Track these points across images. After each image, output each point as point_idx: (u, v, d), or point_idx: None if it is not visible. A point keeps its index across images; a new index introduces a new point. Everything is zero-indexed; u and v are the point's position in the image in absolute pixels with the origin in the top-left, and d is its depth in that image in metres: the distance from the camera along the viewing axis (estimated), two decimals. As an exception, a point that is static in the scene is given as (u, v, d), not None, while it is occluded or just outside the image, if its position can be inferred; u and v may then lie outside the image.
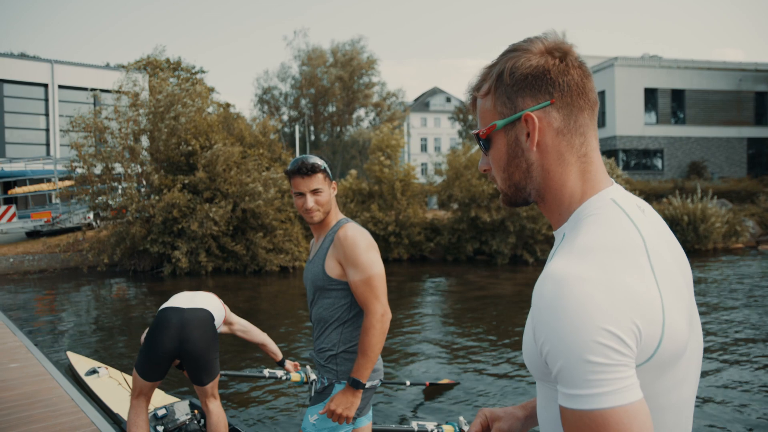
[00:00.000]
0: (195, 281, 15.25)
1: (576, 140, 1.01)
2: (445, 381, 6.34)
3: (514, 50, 1.02)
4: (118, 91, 17.95)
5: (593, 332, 0.82)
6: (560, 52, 1.00)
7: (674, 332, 0.88)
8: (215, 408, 3.60)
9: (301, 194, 2.54)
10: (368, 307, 2.41)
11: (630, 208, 0.98)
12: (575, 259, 0.89)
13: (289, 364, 4.21)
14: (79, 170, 17.37)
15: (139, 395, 3.46)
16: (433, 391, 6.21)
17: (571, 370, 0.83)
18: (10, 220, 19.54)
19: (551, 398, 0.98)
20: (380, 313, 2.40)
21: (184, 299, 3.59)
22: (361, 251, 2.45)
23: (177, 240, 16.05)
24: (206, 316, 3.57)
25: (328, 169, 2.58)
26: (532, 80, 0.99)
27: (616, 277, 0.86)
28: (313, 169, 2.51)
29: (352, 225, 2.56)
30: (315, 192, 2.53)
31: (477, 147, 20.09)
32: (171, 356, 3.43)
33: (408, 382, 5.98)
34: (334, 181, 2.62)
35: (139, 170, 17.16)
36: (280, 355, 4.11)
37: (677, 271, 0.97)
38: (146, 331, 3.60)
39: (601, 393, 0.81)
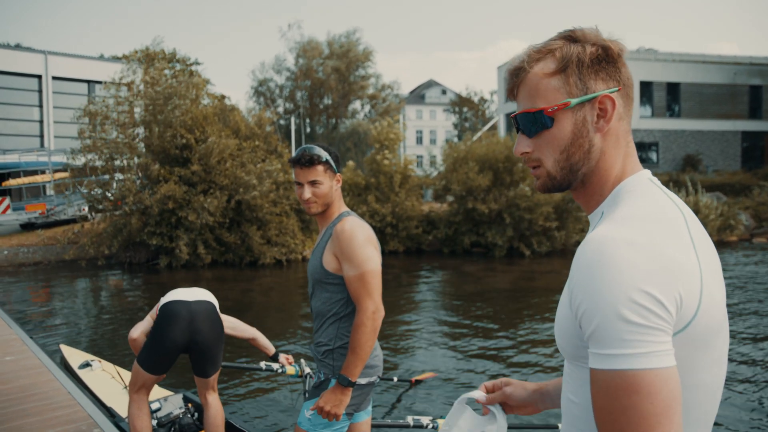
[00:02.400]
0: (191, 273, 15.23)
1: (627, 127, 1.07)
2: (426, 375, 6.34)
3: (574, 36, 1.06)
4: (118, 83, 17.87)
5: (633, 291, 0.82)
6: (620, 44, 1.06)
7: (711, 304, 0.89)
8: (214, 401, 3.59)
9: (301, 184, 2.52)
10: (360, 304, 2.37)
11: (665, 188, 1.02)
12: (617, 225, 0.91)
13: (282, 357, 4.18)
14: (79, 160, 17.30)
15: (140, 389, 3.41)
16: (424, 386, 6.19)
17: (607, 329, 0.83)
18: (4, 212, 19.44)
19: (582, 380, 0.98)
20: (371, 310, 2.35)
21: (186, 292, 3.56)
22: (357, 246, 2.41)
23: (174, 231, 16.02)
24: (212, 308, 3.55)
25: (331, 161, 2.53)
26: (605, 66, 1.04)
27: (659, 243, 0.87)
28: (312, 161, 2.48)
29: (352, 219, 2.51)
30: (313, 183, 2.50)
31: (476, 137, 20.12)
32: (180, 349, 3.41)
33: (395, 378, 5.99)
34: (338, 174, 2.58)
35: (136, 161, 17.09)
36: (272, 350, 4.08)
37: (711, 252, 0.98)
38: (137, 325, 3.56)
39: (636, 353, 0.82)
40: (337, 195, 2.59)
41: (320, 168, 2.50)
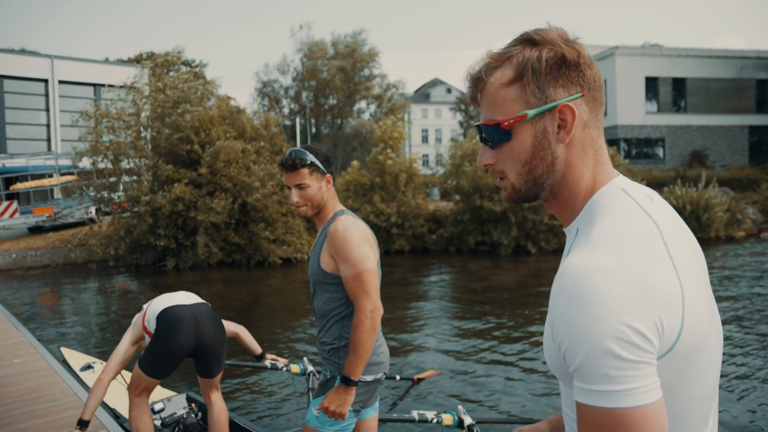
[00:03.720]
0: (199, 275, 15.29)
1: (595, 134, 1.00)
2: (428, 373, 6.33)
3: (533, 39, 0.99)
4: (130, 87, 17.97)
5: (616, 326, 0.79)
6: (578, 46, 0.99)
7: (695, 323, 0.86)
8: (218, 400, 3.60)
9: (290, 188, 2.53)
10: (358, 303, 2.35)
11: (639, 197, 0.97)
12: (594, 251, 0.87)
13: (269, 358, 4.11)
14: (86, 162, 17.40)
15: (141, 393, 3.39)
16: (428, 383, 6.20)
17: (591, 364, 0.80)
18: (12, 215, 19.56)
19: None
20: (369, 309, 2.33)
21: (182, 297, 3.54)
22: (352, 245, 2.38)
23: (180, 233, 16.09)
24: (211, 309, 3.56)
25: (317, 163, 2.50)
26: (565, 71, 0.97)
27: (637, 268, 0.83)
28: (294, 165, 2.47)
29: (345, 218, 2.48)
30: (300, 187, 2.49)
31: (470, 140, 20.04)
32: (188, 353, 3.40)
33: (398, 377, 5.98)
34: (328, 175, 2.55)
35: (145, 164, 17.16)
36: (258, 350, 4.01)
37: (692, 258, 0.95)
38: (128, 331, 3.52)
39: (622, 390, 0.79)
40: (330, 195, 2.56)
41: (305, 171, 2.48)
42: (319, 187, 2.51)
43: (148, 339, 3.48)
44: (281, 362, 4.12)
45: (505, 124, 0.98)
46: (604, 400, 0.80)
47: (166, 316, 3.37)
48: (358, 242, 2.40)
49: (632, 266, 0.83)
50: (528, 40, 0.99)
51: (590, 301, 0.81)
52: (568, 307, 0.84)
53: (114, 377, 3.38)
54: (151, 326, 3.44)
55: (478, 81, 1.02)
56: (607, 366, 0.79)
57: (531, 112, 0.97)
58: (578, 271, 0.84)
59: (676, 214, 1.02)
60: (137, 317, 3.57)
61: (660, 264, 0.86)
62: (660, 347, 0.83)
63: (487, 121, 1.01)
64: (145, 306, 3.57)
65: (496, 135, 1.01)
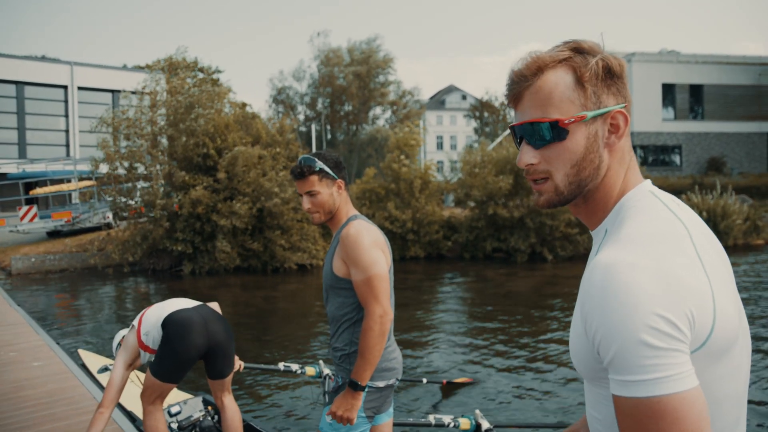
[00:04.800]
0: (215, 279, 15.37)
1: (629, 143, 1.07)
2: (462, 380, 6.34)
3: (582, 48, 1.03)
4: (141, 93, 18.16)
5: (647, 316, 0.82)
6: (623, 61, 1.04)
7: (725, 319, 0.88)
8: (230, 402, 3.61)
9: (301, 195, 2.55)
10: (367, 308, 2.35)
11: (667, 200, 1.00)
12: (623, 247, 0.90)
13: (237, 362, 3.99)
14: (103, 169, 17.58)
15: (156, 400, 3.38)
16: (451, 388, 6.21)
17: (625, 355, 0.83)
18: (31, 220, 19.78)
19: (602, 397, 0.98)
20: (378, 314, 2.33)
21: (180, 302, 3.53)
22: (363, 250, 2.38)
23: (197, 237, 16.20)
24: (213, 309, 3.58)
25: (327, 169, 2.51)
26: (617, 80, 1.03)
27: (666, 264, 0.86)
28: (302, 173, 2.48)
29: (357, 222, 2.48)
30: (310, 194, 2.50)
31: (496, 142, 20.00)
32: (200, 354, 3.42)
33: (425, 380, 5.97)
34: (339, 180, 2.55)
35: (160, 169, 17.31)
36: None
37: (719, 261, 0.97)
38: (119, 357, 3.42)
39: (658, 378, 0.81)
40: (343, 200, 2.56)
41: (314, 178, 2.49)
42: (330, 193, 2.52)
43: (145, 355, 3.46)
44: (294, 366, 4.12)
45: (566, 122, 1.00)
46: (639, 390, 0.82)
47: (173, 321, 3.36)
48: (369, 247, 2.40)
49: (661, 263, 0.86)
50: (577, 48, 1.03)
51: (620, 294, 0.84)
52: (600, 300, 0.86)
53: (113, 410, 3.30)
54: (151, 339, 3.41)
55: (527, 78, 1.03)
56: (640, 356, 0.81)
57: (590, 114, 1.00)
58: (608, 267, 0.87)
59: (700, 220, 1.03)
60: (127, 338, 3.50)
61: (689, 262, 0.88)
62: (693, 340, 0.85)
63: (539, 118, 1.01)
64: (134, 323, 3.50)
65: (548, 133, 1.01)
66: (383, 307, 2.35)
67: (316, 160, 2.51)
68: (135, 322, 3.51)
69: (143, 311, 3.56)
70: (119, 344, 3.83)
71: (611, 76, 1.02)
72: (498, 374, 6.80)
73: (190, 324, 3.35)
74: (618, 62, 1.03)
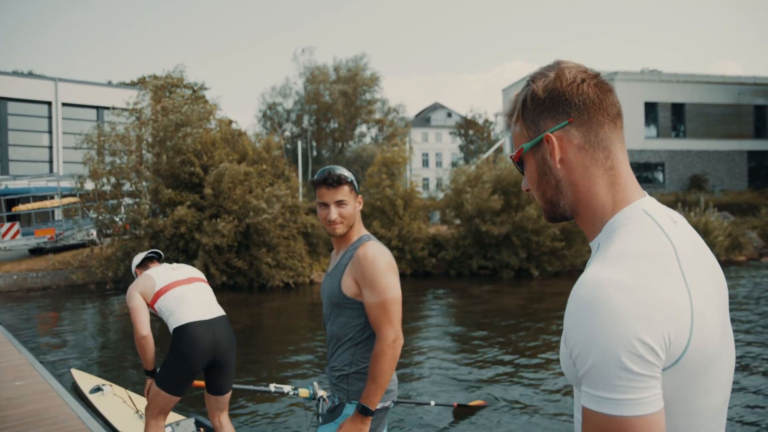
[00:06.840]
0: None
1: (599, 154, 1.05)
2: (475, 402, 6.15)
3: (534, 77, 1.10)
4: (132, 108, 18.12)
5: (626, 339, 0.85)
6: (578, 73, 1.06)
7: (703, 339, 0.91)
8: (228, 424, 3.57)
9: (326, 205, 2.46)
10: (380, 332, 2.32)
11: (661, 218, 1.02)
12: (608, 265, 0.93)
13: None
14: (88, 185, 17.45)
15: (159, 414, 3.35)
16: (462, 412, 6.03)
17: (600, 372, 0.86)
18: (14, 237, 19.54)
19: None
20: (392, 338, 2.31)
21: (197, 306, 3.47)
22: (379, 273, 2.35)
23: (180, 255, 16.07)
24: (227, 320, 3.54)
25: (354, 182, 2.51)
26: (549, 102, 1.06)
27: (648, 282, 0.89)
28: (339, 181, 2.44)
29: (374, 243, 2.46)
30: (339, 204, 2.45)
31: (483, 158, 20.16)
32: (205, 368, 3.39)
33: (433, 402, 5.72)
34: (359, 195, 2.55)
35: (146, 186, 17.21)
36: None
37: (710, 281, 0.99)
38: (141, 321, 3.34)
39: (629, 400, 0.85)
40: (358, 217, 2.55)
41: (346, 188, 2.46)
42: (354, 206, 2.50)
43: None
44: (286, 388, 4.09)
45: (513, 157, 1.14)
46: (609, 408, 0.86)
47: (184, 332, 3.33)
48: (385, 270, 2.38)
49: (643, 281, 0.89)
50: (531, 78, 1.10)
51: (601, 312, 0.87)
52: (580, 316, 0.90)
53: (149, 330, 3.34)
54: (161, 313, 3.39)
55: (506, 122, 1.19)
56: (615, 376, 0.85)
57: (525, 146, 1.10)
58: (592, 284, 0.90)
59: (699, 238, 1.06)
60: (144, 287, 3.46)
61: (671, 280, 0.91)
62: (666, 360, 0.88)
63: (511, 155, 1.17)
64: (156, 278, 3.50)
65: (518, 167, 1.16)
66: (396, 332, 2.34)
67: (347, 171, 2.50)
68: (158, 280, 3.48)
69: (161, 270, 3.55)
70: (135, 274, 3.83)
71: (543, 100, 1.06)
72: (505, 397, 6.67)
73: (198, 340, 3.33)
74: (545, 83, 1.07)
